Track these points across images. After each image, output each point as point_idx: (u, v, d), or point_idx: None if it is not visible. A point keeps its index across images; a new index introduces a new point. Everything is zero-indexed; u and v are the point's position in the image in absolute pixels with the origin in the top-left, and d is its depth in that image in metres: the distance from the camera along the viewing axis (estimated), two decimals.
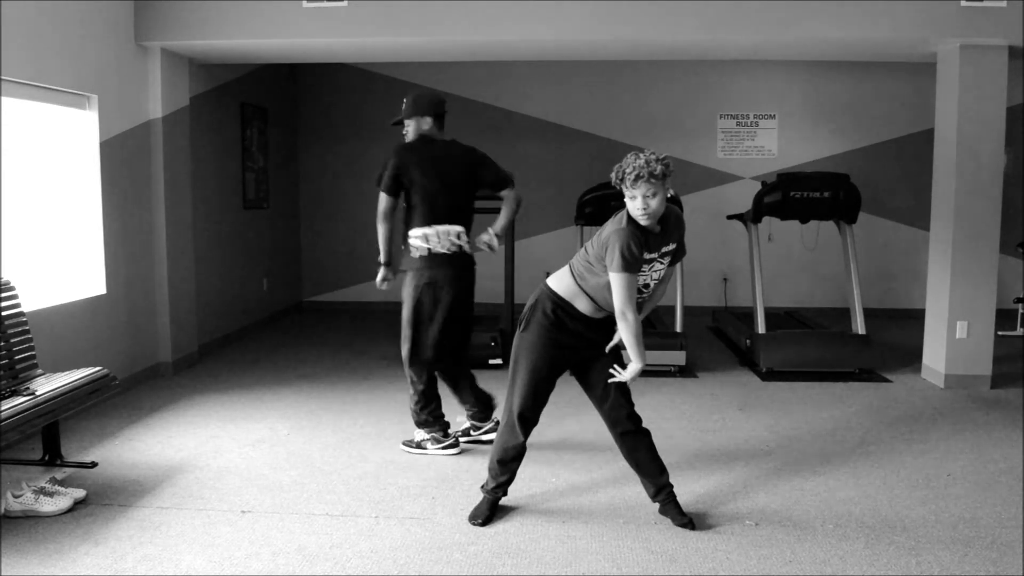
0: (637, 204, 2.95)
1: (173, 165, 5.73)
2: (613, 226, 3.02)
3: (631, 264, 2.95)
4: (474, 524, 3.27)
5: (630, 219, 2.99)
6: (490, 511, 3.32)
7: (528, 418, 3.27)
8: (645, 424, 3.27)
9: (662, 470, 3.28)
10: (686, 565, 2.93)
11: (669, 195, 3.01)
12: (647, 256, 3.02)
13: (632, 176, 2.92)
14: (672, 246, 3.12)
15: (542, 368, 3.20)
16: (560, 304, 3.17)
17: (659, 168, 2.93)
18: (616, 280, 2.97)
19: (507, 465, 3.33)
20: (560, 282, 3.20)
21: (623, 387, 3.21)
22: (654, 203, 2.94)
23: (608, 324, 3.20)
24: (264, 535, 3.17)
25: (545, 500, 3.52)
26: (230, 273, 7.02)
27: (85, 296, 4.91)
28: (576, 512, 3.40)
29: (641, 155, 2.96)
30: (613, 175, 3.00)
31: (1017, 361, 6.18)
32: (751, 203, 6.13)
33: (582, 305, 3.16)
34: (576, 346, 3.21)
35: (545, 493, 3.60)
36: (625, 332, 3.02)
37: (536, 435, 3.43)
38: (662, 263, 3.12)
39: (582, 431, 4.44)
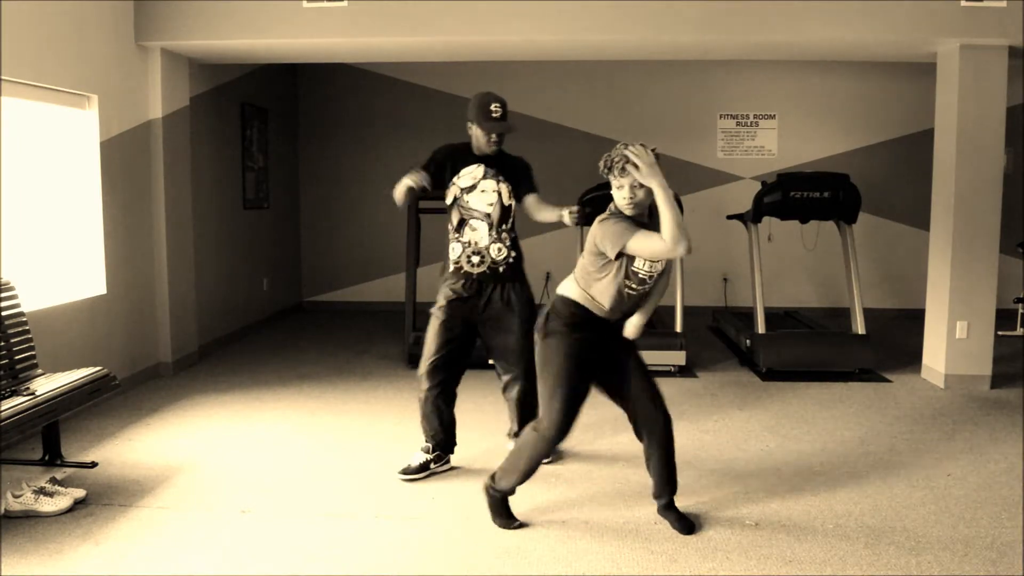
0: (624, 193, 2.95)
1: (173, 165, 5.73)
2: (599, 219, 3.02)
3: (630, 225, 2.93)
4: (511, 527, 3.23)
5: (617, 209, 3.00)
6: (509, 511, 3.28)
7: (567, 430, 3.14)
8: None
9: (672, 479, 3.24)
10: (686, 565, 2.93)
11: None
12: None
13: (620, 165, 2.92)
14: None
15: (573, 371, 3.09)
16: (574, 307, 3.13)
17: None
18: (636, 242, 2.90)
19: (530, 475, 3.25)
20: (569, 289, 3.18)
21: (650, 381, 3.20)
22: (641, 193, 2.94)
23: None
24: (264, 535, 3.17)
25: (545, 501, 3.52)
26: (230, 273, 7.01)
27: (85, 296, 4.91)
28: (576, 512, 3.40)
29: (630, 145, 2.96)
30: (601, 163, 2.99)
31: (1017, 361, 6.18)
32: (751, 203, 6.14)
33: (594, 309, 3.14)
34: (600, 341, 3.15)
35: (545, 494, 3.60)
36: (670, 220, 2.84)
37: None
38: None
39: (583, 432, 4.43)
